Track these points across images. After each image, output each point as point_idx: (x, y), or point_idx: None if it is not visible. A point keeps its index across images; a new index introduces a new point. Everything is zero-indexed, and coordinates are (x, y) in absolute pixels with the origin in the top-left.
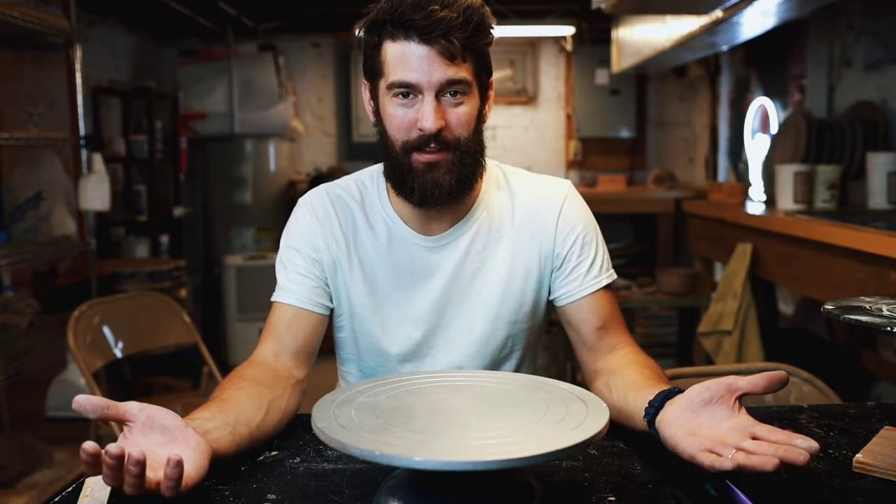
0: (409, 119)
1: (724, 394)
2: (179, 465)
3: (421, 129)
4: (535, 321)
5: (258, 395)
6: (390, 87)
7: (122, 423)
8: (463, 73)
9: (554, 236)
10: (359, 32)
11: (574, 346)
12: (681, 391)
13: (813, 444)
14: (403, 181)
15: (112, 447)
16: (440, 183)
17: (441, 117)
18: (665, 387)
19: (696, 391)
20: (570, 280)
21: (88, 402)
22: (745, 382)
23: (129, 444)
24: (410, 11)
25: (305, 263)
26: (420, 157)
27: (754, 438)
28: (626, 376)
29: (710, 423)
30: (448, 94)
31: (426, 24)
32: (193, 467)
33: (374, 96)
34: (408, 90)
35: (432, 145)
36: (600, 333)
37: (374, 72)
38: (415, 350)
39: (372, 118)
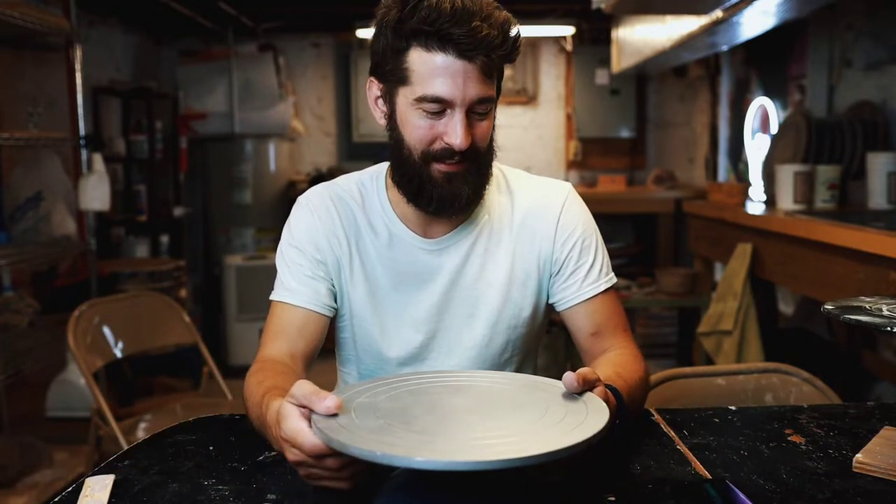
0: (434, 132)
1: None
2: None
3: (448, 144)
4: (534, 326)
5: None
6: (420, 99)
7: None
8: (492, 89)
9: (553, 241)
10: (379, 30)
11: (576, 347)
12: (616, 392)
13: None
14: (422, 190)
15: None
16: (459, 194)
17: (469, 133)
18: (610, 383)
19: None
20: (567, 285)
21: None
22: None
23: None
24: (450, 24)
25: (311, 264)
26: (440, 167)
27: None
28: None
29: None
30: (476, 111)
31: (468, 41)
32: None
33: (390, 101)
34: (440, 106)
35: (455, 158)
36: (594, 339)
37: (394, 76)
38: (413, 354)
39: (382, 121)
